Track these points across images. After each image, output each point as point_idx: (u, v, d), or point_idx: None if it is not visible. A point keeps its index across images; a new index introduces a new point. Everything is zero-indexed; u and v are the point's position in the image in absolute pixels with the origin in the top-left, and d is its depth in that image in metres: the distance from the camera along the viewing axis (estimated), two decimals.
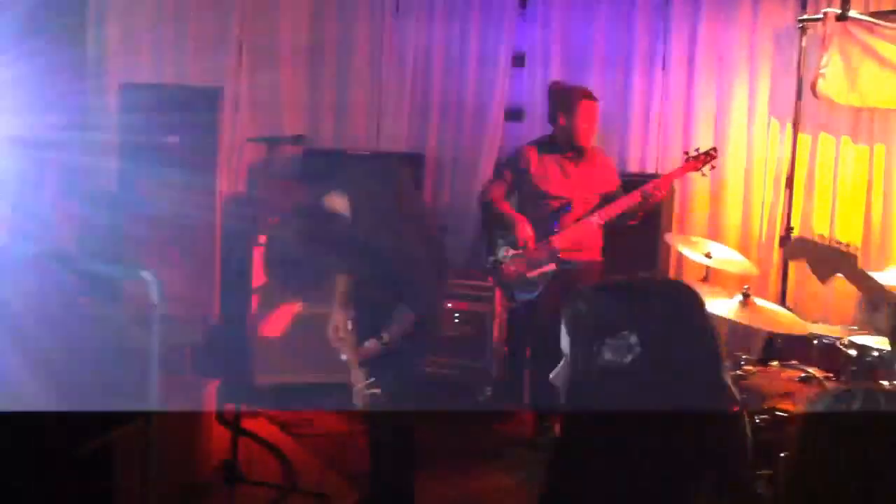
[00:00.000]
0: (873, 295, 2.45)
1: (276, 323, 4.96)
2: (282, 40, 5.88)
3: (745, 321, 4.08)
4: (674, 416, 1.59)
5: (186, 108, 4.75)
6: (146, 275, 2.91)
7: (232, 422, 4.20)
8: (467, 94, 5.94)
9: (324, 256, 3.31)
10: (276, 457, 4.57)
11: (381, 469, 3.60)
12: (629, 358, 1.59)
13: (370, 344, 3.37)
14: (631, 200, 4.66)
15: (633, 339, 1.59)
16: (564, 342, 1.70)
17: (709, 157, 4.78)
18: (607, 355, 1.60)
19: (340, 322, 3.44)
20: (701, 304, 1.69)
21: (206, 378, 4.27)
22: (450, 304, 5.32)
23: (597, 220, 4.70)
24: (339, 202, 3.35)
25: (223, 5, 5.60)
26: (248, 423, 4.64)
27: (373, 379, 3.31)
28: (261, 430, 4.80)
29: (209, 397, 4.22)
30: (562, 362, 1.71)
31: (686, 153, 4.89)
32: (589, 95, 4.78)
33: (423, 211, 3.67)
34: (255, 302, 5.05)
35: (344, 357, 3.39)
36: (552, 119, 4.83)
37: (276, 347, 5.06)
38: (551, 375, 1.73)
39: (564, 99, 4.77)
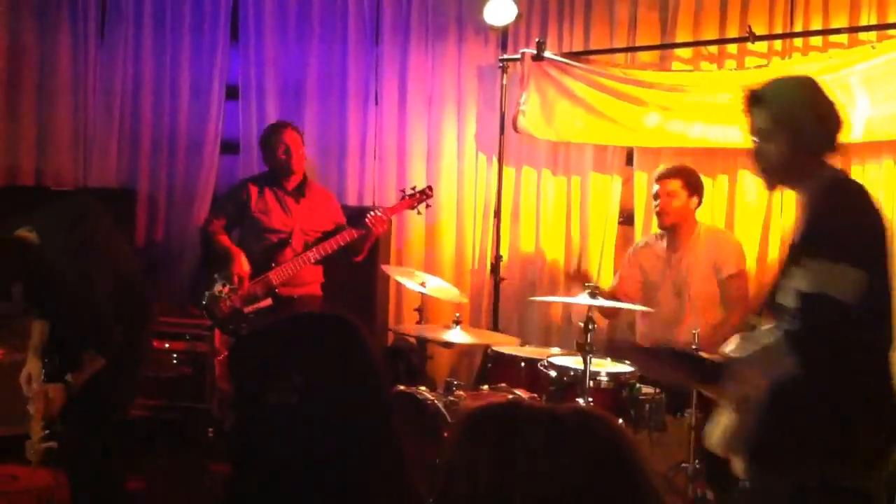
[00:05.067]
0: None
1: None
2: None
3: (459, 343, 4.29)
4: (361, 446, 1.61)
5: None
6: None
7: None
8: (180, 127, 5.78)
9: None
10: None
11: None
12: (296, 398, 1.58)
13: (54, 390, 3.20)
14: (347, 237, 4.73)
15: (298, 379, 1.59)
16: (233, 388, 1.67)
17: (424, 195, 4.90)
18: (274, 398, 1.59)
19: (34, 371, 3.26)
20: (359, 335, 1.71)
21: None
22: (168, 345, 5.13)
23: (313, 255, 4.72)
24: (28, 235, 3.18)
25: None
26: None
27: (47, 432, 3.15)
28: None
29: None
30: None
31: (402, 191, 4.98)
32: (286, 125, 4.94)
33: (118, 249, 3.52)
34: None
35: (31, 409, 3.20)
36: (266, 160, 4.93)
37: None
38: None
39: (267, 137, 4.92)
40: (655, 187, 4.52)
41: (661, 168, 4.61)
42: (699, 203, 4.52)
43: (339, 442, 1.58)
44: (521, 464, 1.27)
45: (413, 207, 4.91)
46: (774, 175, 2.62)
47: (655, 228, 4.65)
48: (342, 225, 4.88)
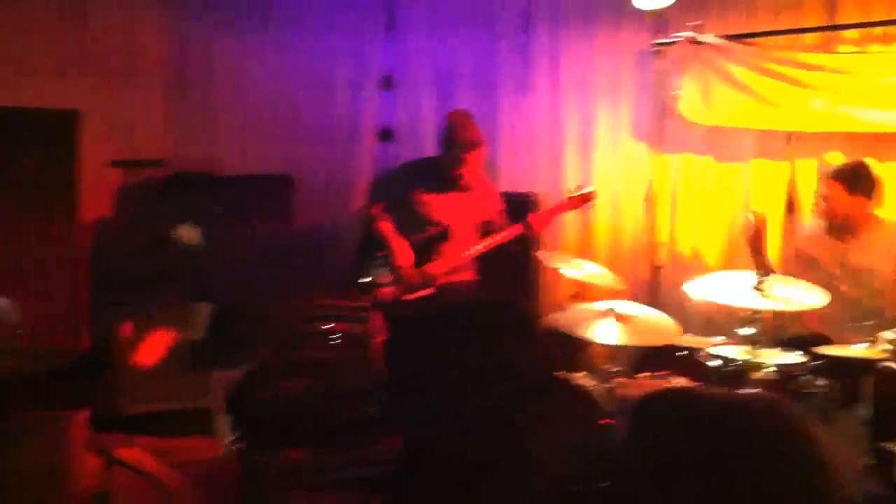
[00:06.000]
0: None
1: (150, 350, 4.81)
2: (140, 61, 5.75)
3: (620, 334, 4.19)
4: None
5: (42, 131, 4.62)
6: (2, 302, 2.82)
7: (104, 452, 4.04)
8: (337, 115, 5.91)
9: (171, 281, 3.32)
10: (153, 486, 4.41)
11: (256, 492, 3.56)
12: (459, 382, 1.59)
13: (227, 376, 3.35)
14: (509, 236, 4.70)
15: (466, 362, 1.60)
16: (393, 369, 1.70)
17: (586, 199, 4.81)
18: (437, 381, 1.60)
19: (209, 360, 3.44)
20: (530, 324, 1.72)
21: (74, 407, 4.12)
22: (325, 326, 5.24)
23: (474, 252, 4.71)
24: (187, 233, 3.32)
25: (75, 24, 5.40)
26: (122, 453, 4.48)
27: (238, 434, 3.29)
28: (135, 459, 4.63)
29: (77, 427, 4.05)
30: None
31: (568, 191, 4.90)
32: (479, 144, 4.69)
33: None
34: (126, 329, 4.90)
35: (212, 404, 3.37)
36: (443, 147, 4.74)
37: (149, 374, 4.89)
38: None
39: (457, 134, 4.67)
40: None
41: (829, 167, 4.51)
42: (869, 200, 4.36)
43: (497, 422, 1.59)
44: (699, 446, 1.27)
45: (575, 209, 4.88)
46: None
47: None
48: (501, 216, 4.83)
